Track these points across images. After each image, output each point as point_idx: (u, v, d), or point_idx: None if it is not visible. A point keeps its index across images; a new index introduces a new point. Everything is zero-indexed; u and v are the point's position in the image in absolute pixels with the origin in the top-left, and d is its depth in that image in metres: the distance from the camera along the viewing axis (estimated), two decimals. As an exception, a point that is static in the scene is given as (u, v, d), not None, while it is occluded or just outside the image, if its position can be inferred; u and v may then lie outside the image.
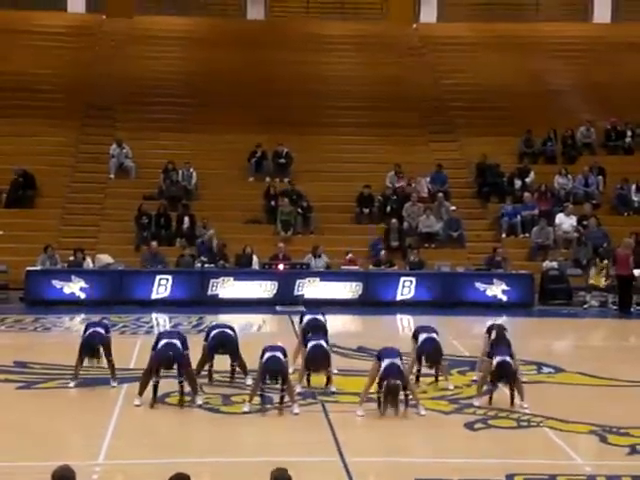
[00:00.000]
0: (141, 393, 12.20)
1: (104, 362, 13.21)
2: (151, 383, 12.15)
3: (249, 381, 13.09)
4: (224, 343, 13.10)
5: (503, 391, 12.64)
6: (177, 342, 12.28)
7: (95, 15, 32.52)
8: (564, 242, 24.13)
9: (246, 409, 11.96)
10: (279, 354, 12.01)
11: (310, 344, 12.86)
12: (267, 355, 11.95)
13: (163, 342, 12.25)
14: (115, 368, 13.28)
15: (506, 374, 12.13)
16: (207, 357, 13.18)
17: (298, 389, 12.72)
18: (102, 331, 13.32)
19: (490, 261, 22.53)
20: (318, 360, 12.65)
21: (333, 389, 13.04)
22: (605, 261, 22.29)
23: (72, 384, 13.19)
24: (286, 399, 12.02)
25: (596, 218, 24.29)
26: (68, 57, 29.82)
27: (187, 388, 12.42)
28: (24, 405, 12.49)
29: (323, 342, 12.86)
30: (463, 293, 21.71)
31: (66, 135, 26.95)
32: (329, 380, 13.10)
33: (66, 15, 32.55)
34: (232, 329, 13.40)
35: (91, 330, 13.28)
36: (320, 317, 14.50)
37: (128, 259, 22.69)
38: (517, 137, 27.44)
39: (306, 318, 14.37)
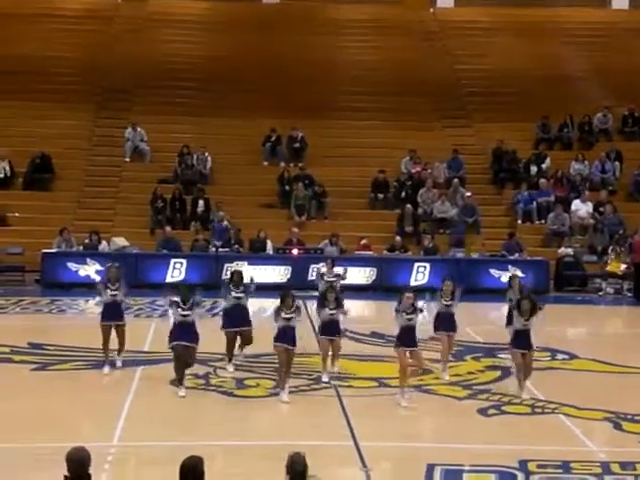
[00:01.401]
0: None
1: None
2: None
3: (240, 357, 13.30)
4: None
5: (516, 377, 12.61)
6: None
7: (111, -2, 32.50)
8: (580, 229, 24.02)
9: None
10: None
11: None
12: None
13: None
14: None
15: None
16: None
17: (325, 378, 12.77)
18: None
19: (508, 247, 22.39)
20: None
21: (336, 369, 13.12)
22: (622, 248, 22.18)
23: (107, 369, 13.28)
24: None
25: (612, 205, 24.16)
26: (84, 40, 29.81)
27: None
28: (39, 386, 12.57)
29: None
30: (478, 279, 21.65)
31: (82, 118, 26.98)
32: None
33: (82, -2, 32.55)
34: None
35: None
36: None
37: (143, 242, 22.74)
38: (533, 123, 27.28)
39: None
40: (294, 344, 12.02)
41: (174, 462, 6.08)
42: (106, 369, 13.17)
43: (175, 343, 12.23)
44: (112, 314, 13.24)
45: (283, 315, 11.97)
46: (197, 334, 12.32)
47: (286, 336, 11.94)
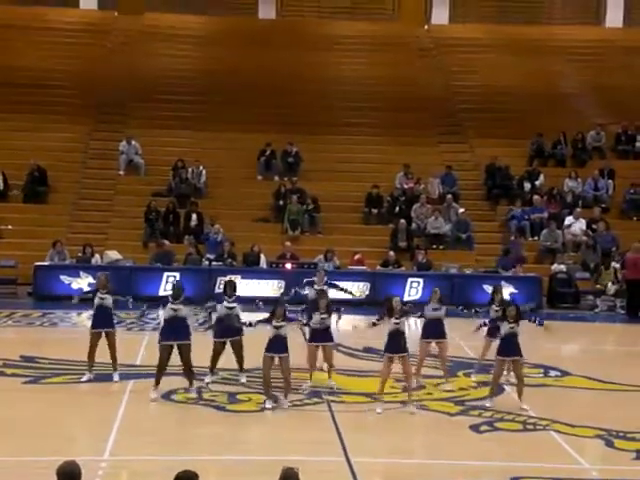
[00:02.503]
0: None
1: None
2: None
3: (243, 379, 13.22)
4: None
5: (509, 393, 12.62)
6: None
7: (107, 12, 32.58)
8: (573, 245, 24.07)
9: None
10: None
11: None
12: None
13: None
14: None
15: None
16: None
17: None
18: None
19: (504, 263, 22.42)
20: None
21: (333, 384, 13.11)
22: (615, 265, 22.24)
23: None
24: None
25: (605, 222, 24.23)
26: (80, 53, 29.87)
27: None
28: (30, 400, 12.52)
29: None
30: (471, 295, 21.65)
31: (77, 131, 26.99)
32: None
33: (78, 12, 32.63)
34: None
35: None
36: None
37: (136, 255, 22.72)
38: (527, 140, 27.36)
39: None
40: (285, 351, 12.06)
41: (165, 476, 6.07)
42: (85, 377, 13.20)
43: (163, 343, 12.32)
44: (102, 321, 13.25)
45: (274, 323, 12.02)
46: (188, 328, 12.38)
47: (277, 345, 12.00)
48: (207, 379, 13.22)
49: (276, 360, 12.11)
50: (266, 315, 12.28)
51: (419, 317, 13.26)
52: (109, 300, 13.33)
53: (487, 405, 12.41)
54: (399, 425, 11.77)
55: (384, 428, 11.68)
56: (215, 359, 13.29)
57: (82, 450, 10.30)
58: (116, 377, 13.37)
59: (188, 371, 12.58)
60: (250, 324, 12.54)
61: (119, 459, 10.28)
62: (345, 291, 15.43)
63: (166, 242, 22.62)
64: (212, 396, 12.68)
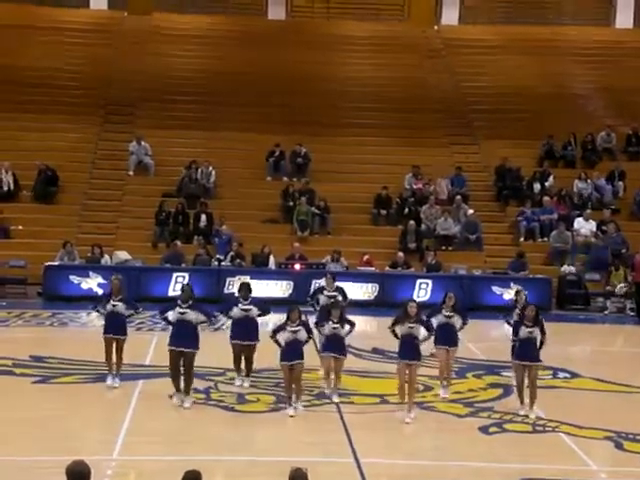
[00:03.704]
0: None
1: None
2: None
3: (246, 383, 13.14)
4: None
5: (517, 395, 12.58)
6: None
7: (116, 12, 32.64)
8: (582, 247, 24.00)
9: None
10: None
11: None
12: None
13: None
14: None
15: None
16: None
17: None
18: None
19: (515, 266, 22.36)
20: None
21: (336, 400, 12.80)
22: (621, 268, 22.18)
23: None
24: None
25: (615, 223, 24.15)
26: (89, 54, 29.94)
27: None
28: (40, 399, 12.55)
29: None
30: (480, 296, 21.63)
31: (86, 132, 27.04)
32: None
33: (88, 12, 32.70)
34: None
35: None
36: None
37: (146, 256, 22.75)
38: (537, 141, 27.30)
39: None
40: (301, 357, 11.88)
41: (174, 476, 6.07)
42: (109, 381, 13.11)
43: (171, 348, 12.22)
44: (113, 327, 13.18)
45: (289, 329, 11.85)
46: (197, 335, 12.22)
47: (292, 352, 11.79)
48: (237, 382, 13.12)
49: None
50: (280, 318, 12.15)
51: (429, 333, 12.42)
52: (121, 307, 13.18)
53: (531, 416, 12.10)
54: (408, 426, 11.75)
55: (393, 429, 11.66)
56: (237, 361, 13.20)
57: (91, 450, 10.31)
58: (114, 381, 13.11)
59: (187, 378, 12.35)
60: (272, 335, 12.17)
61: (128, 459, 10.29)
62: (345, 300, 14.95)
63: (178, 243, 22.66)
64: (221, 396, 12.69)
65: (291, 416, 11.78)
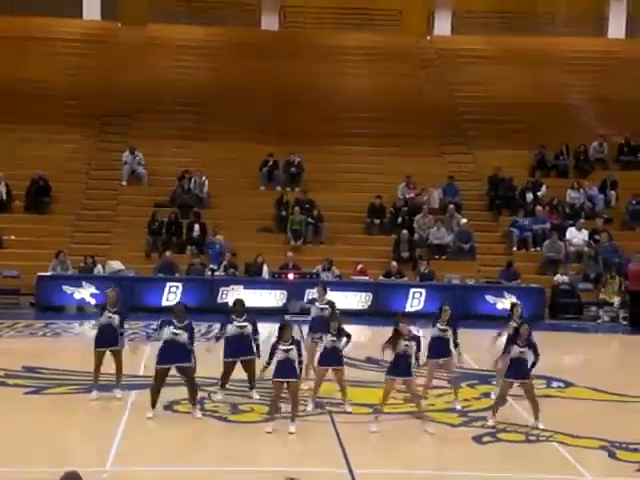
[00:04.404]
0: None
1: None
2: None
3: (256, 395, 13.11)
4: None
5: (511, 405, 12.58)
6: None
7: (110, 23, 32.67)
8: (575, 256, 24.05)
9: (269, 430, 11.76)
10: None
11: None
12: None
13: None
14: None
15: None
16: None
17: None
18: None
19: (506, 276, 22.39)
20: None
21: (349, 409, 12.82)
22: (616, 277, 22.23)
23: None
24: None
25: (608, 233, 24.21)
26: (83, 64, 29.96)
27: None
28: (32, 410, 12.50)
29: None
30: (473, 306, 21.65)
31: (80, 142, 27.06)
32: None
33: (81, 22, 32.72)
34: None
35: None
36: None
37: (139, 266, 22.73)
38: (530, 150, 27.40)
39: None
40: (295, 376, 11.74)
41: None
42: (94, 394, 13.01)
43: (159, 366, 12.10)
44: (106, 339, 13.10)
45: (281, 347, 11.68)
46: (189, 352, 12.04)
47: (285, 370, 11.63)
48: (219, 395, 13.07)
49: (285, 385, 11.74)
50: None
51: (417, 353, 12.10)
52: (116, 320, 13.09)
53: (489, 423, 12.23)
54: (401, 436, 11.74)
55: (386, 439, 11.65)
56: (225, 377, 13.13)
57: (84, 461, 10.28)
58: (118, 393, 13.06)
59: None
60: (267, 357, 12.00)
61: (121, 470, 10.26)
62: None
63: (168, 253, 22.60)
64: (214, 407, 12.66)
65: (268, 432, 11.59)
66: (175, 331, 12.10)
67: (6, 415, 12.17)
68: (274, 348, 11.78)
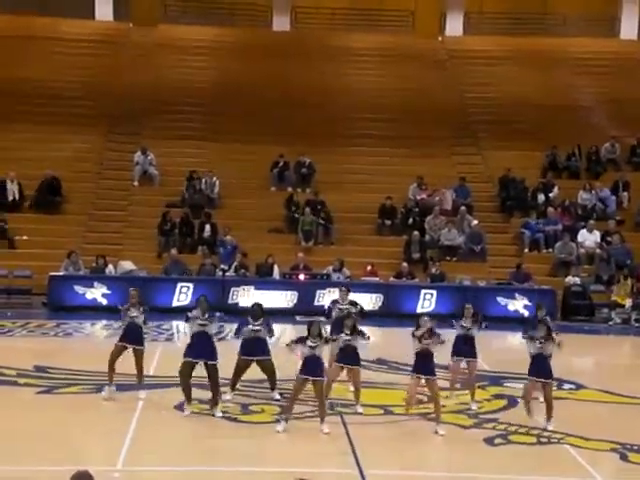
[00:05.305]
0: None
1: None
2: None
3: (277, 395, 13.10)
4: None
5: (523, 406, 12.55)
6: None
7: (122, 23, 32.74)
8: (587, 258, 23.97)
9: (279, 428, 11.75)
10: None
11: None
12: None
13: None
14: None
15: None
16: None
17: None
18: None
19: (517, 278, 22.34)
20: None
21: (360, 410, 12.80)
22: (629, 279, 22.16)
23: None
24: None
25: (620, 234, 24.12)
26: (95, 65, 30.03)
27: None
28: (44, 410, 12.54)
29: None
30: (484, 307, 21.55)
31: (91, 142, 27.12)
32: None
33: (93, 23, 32.80)
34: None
35: None
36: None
37: (151, 266, 22.77)
38: (541, 152, 27.33)
39: None
40: (321, 375, 11.70)
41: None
42: (105, 392, 13.02)
43: (185, 359, 12.22)
44: (131, 337, 13.10)
45: (309, 343, 11.63)
46: (214, 348, 12.25)
47: (312, 367, 11.59)
48: (227, 396, 13.04)
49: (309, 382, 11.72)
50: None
51: (441, 343, 12.21)
52: (140, 319, 13.14)
53: (549, 428, 12.03)
54: (412, 437, 11.72)
55: (397, 440, 11.64)
56: (236, 378, 13.11)
57: (95, 460, 10.31)
58: (142, 393, 13.06)
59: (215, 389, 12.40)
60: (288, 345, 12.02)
61: (132, 469, 10.28)
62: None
63: (173, 251, 22.63)
64: (225, 407, 12.67)
65: (278, 431, 11.58)
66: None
67: (18, 414, 12.21)
68: (301, 341, 11.70)
